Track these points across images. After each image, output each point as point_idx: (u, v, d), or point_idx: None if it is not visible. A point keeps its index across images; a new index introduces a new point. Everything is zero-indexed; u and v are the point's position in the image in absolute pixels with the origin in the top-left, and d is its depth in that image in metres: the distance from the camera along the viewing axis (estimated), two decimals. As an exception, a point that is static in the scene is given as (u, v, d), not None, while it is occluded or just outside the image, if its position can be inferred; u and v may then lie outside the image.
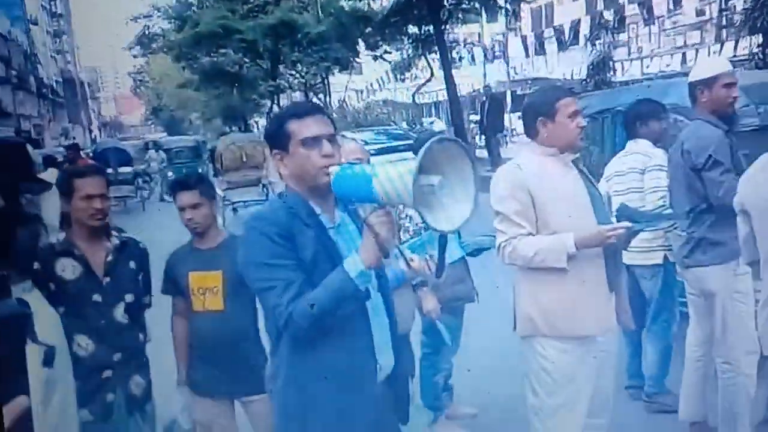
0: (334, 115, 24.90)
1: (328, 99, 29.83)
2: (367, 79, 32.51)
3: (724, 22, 24.67)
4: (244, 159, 14.68)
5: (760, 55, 13.10)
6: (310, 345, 2.12)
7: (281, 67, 29.98)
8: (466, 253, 3.94)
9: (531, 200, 2.83)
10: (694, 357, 3.82)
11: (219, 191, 10.50)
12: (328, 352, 2.13)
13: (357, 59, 28.02)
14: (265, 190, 13.25)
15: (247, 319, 3.18)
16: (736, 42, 19.56)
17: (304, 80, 30.26)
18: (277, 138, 2.17)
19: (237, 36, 26.22)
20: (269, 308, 2.12)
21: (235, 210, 13.32)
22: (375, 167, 1.95)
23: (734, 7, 22.64)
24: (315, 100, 29.57)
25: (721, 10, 25.10)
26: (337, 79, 31.43)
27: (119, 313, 3.05)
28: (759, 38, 12.87)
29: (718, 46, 24.71)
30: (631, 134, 4.35)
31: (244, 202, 13.05)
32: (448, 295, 3.76)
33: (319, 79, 30.15)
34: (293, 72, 30.47)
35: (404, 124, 22.65)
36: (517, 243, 2.83)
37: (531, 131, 2.99)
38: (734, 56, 19.38)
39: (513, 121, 26.81)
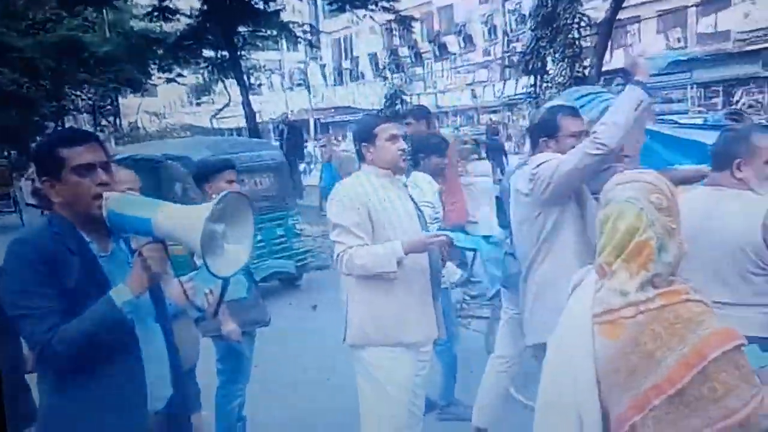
0: (126, 138, 23.47)
1: (119, 122, 28.12)
2: (162, 102, 31.12)
3: (506, 63, 26.67)
4: (-10, 177, 18.11)
5: (533, 94, 14.10)
6: (77, 374, 2.03)
7: (66, 88, 27.78)
8: (260, 278, 4.03)
9: (368, 214, 3.01)
10: (497, 370, 3.92)
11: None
12: (93, 381, 2.04)
13: (150, 81, 26.68)
14: (12, 201, 17.15)
15: (12, 352, 2.79)
16: (517, 81, 21.05)
17: (91, 102, 28.27)
18: (48, 164, 2.09)
19: (15, 54, 23.89)
20: (26, 336, 2.07)
21: None
22: (156, 204, 1.99)
23: (515, 49, 24.47)
24: (104, 122, 27.81)
25: (504, 52, 27.12)
26: (129, 102, 29.74)
27: None
28: (532, 79, 13.86)
29: (502, 83, 26.66)
30: (415, 166, 4.51)
31: None
32: (242, 320, 3.77)
33: (109, 101, 28.32)
34: (79, 93, 28.38)
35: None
36: (353, 252, 2.95)
37: (359, 156, 3.22)
38: (515, 94, 20.88)
39: (316, 149, 26.88)
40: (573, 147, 2.99)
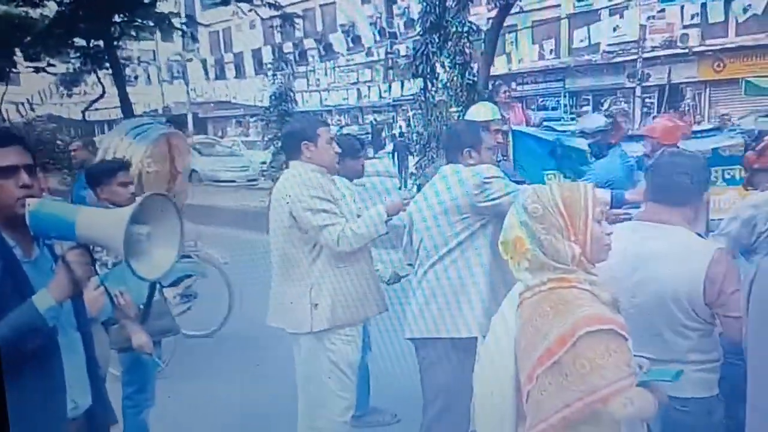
0: (-14, 130, 21.66)
1: (-22, 112, 25.92)
2: (28, 91, 29.00)
3: (390, 65, 26.98)
4: None
5: (422, 98, 14.26)
6: None
7: None
8: (168, 283, 4.02)
9: (335, 200, 3.37)
10: None
11: None
12: (12, 387, 1.94)
13: (14, 69, 24.76)
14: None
15: None
16: (402, 83, 21.28)
17: (-55, 91, 25.84)
18: None
19: None
20: None
21: None
22: (78, 208, 1.99)
23: (398, 51, 24.81)
24: (-39, 112, 25.57)
25: (387, 53, 27.40)
26: (-10, 91, 27.48)
27: None
28: (422, 82, 14.04)
29: (387, 85, 26.96)
30: None
31: None
32: (150, 331, 3.68)
33: (-33, 90, 26.00)
34: (-70, 80, 25.88)
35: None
36: (347, 226, 3.31)
37: (294, 153, 3.45)
38: (402, 96, 21.15)
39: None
40: (491, 158, 3.44)
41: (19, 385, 1.99)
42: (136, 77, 26.50)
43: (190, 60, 30.42)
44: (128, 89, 20.34)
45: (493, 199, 3.12)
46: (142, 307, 3.55)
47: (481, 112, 4.73)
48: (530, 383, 1.85)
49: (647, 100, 24.75)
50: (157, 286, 3.83)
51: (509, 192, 3.12)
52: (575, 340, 1.78)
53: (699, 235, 2.51)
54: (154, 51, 34.70)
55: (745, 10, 21.48)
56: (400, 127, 23.43)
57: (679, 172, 2.50)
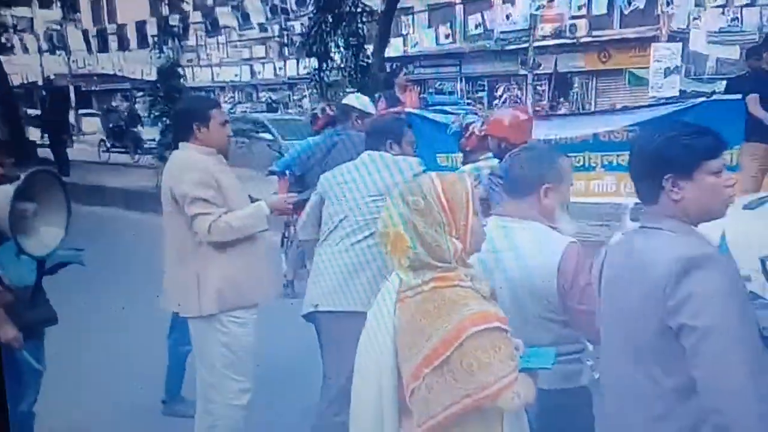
0: None
1: None
2: None
3: (285, 41, 26.42)
4: None
5: (317, 78, 14.00)
6: None
7: None
8: (45, 270, 3.54)
9: (219, 188, 3.29)
10: None
11: None
12: None
13: None
14: None
15: None
16: (298, 61, 20.86)
17: None
18: None
19: None
20: None
21: None
22: None
23: (293, 28, 24.25)
24: None
25: (281, 29, 26.76)
26: None
27: None
28: (316, 62, 13.75)
29: (282, 62, 26.40)
30: None
31: None
32: (29, 320, 3.38)
33: None
34: None
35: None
36: (225, 218, 3.25)
37: (185, 133, 3.39)
38: (297, 75, 20.71)
39: (79, 119, 24.97)
40: (410, 152, 3.50)
41: None
42: (11, 46, 24.66)
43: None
44: (3, 58, 18.94)
45: None
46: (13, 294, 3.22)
47: (353, 101, 4.90)
48: (416, 381, 1.83)
49: (539, 87, 25.48)
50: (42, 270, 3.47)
51: None
52: (462, 341, 1.77)
53: (554, 228, 2.49)
54: (31, 19, 32.55)
55: (629, 3, 22.39)
56: (300, 107, 23.07)
57: (518, 164, 2.54)
